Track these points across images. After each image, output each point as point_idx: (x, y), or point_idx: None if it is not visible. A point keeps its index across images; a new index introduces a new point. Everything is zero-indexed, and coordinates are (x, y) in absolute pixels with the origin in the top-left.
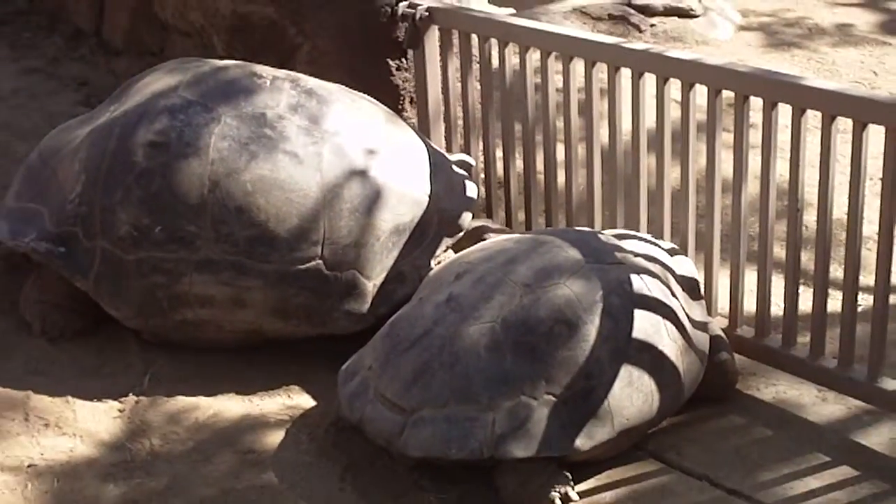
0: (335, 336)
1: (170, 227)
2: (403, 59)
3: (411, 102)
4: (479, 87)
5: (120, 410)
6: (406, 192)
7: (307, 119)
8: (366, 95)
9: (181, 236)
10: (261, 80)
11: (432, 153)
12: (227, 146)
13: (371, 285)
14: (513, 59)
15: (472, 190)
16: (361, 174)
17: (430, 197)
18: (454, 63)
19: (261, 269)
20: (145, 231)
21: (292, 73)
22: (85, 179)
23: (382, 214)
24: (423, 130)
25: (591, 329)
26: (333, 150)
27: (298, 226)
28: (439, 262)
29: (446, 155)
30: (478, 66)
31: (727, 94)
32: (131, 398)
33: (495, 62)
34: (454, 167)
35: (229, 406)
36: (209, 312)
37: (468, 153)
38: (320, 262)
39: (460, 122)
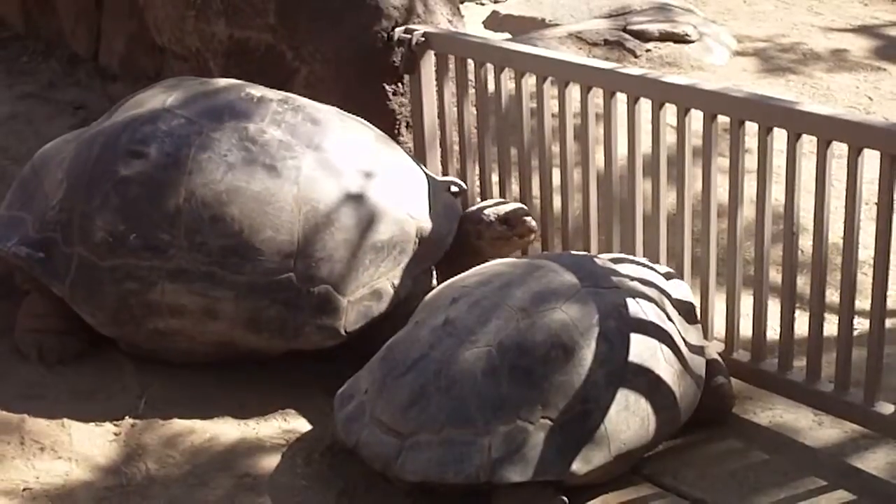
0: (329, 358)
1: (144, 235)
2: (400, 84)
3: (407, 127)
4: (475, 111)
5: (115, 434)
6: (386, 211)
7: (290, 134)
8: (357, 117)
9: (155, 244)
10: (249, 97)
11: (419, 174)
12: (206, 157)
13: (345, 301)
14: (509, 84)
15: (456, 208)
16: (340, 190)
17: (411, 217)
18: (450, 88)
19: (233, 279)
20: (120, 238)
21: (284, 93)
22: (66, 187)
23: (359, 231)
24: (418, 155)
25: (588, 353)
26: (313, 164)
27: (271, 238)
28: (424, 283)
29: (434, 177)
30: (474, 90)
31: (723, 119)
32: (127, 421)
33: (491, 87)
34: (441, 189)
35: (225, 429)
36: (181, 323)
37: (464, 178)
38: (292, 274)
39: (456, 146)
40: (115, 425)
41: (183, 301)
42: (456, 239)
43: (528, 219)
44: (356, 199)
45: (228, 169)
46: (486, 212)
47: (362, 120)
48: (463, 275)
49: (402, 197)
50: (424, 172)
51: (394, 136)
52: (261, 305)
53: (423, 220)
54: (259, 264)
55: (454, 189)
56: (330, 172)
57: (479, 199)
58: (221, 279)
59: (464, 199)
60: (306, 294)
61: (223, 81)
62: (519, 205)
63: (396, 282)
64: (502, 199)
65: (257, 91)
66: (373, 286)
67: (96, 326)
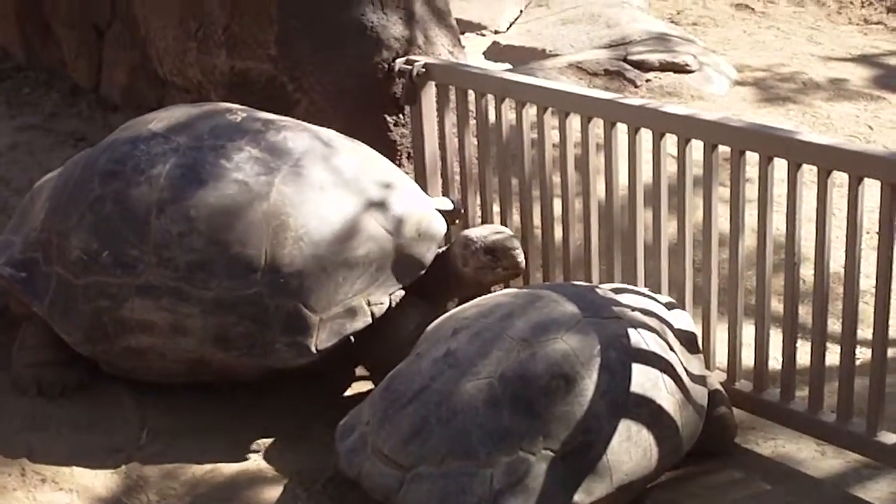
0: (330, 390)
1: (116, 252)
2: (400, 115)
3: (408, 158)
4: (475, 142)
5: (116, 465)
6: (362, 227)
7: (267, 151)
8: (349, 138)
9: (125, 261)
10: (232, 116)
11: (402, 190)
12: (179, 174)
13: (316, 318)
14: (509, 115)
15: (438, 227)
16: (314, 206)
17: (389, 233)
18: (451, 118)
19: (200, 295)
20: (94, 256)
21: (274, 115)
22: (48, 207)
23: (331, 246)
24: (420, 184)
25: (589, 384)
26: (287, 180)
27: (238, 253)
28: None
29: (421, 193)
30: (474, 121)
31: (723, 149)
32: (128, 453)
33: (492, 118)
34: (425, 205)
35: (227, 461)
36: (151, 339)
37: (465, 206)
38: (260, 290)
39: (457, 176)
40: (117, 457)
41: (152, 317)
42: (442, 260)
43: (516, 252)
44: (330, 214)
45: (200, 185)
46: (473, 237)
47: (353, 140)
48: (463, 306)
49: (380, 213)
50: (410, 188)
51: (395, 166)
52: (228, 321)
53: (401, 237)
54: (225, 279)
55: (444, 207)
56: (304, 188)
57: None
58: (188, 295)
59: (464, 225)
60: (275, 310)
61: (214, 105)
62: (508, 235)
63: (372, 299)
64: (497, 228)
65: (244, 112)
66: (347, 304)
67: (73, 345)
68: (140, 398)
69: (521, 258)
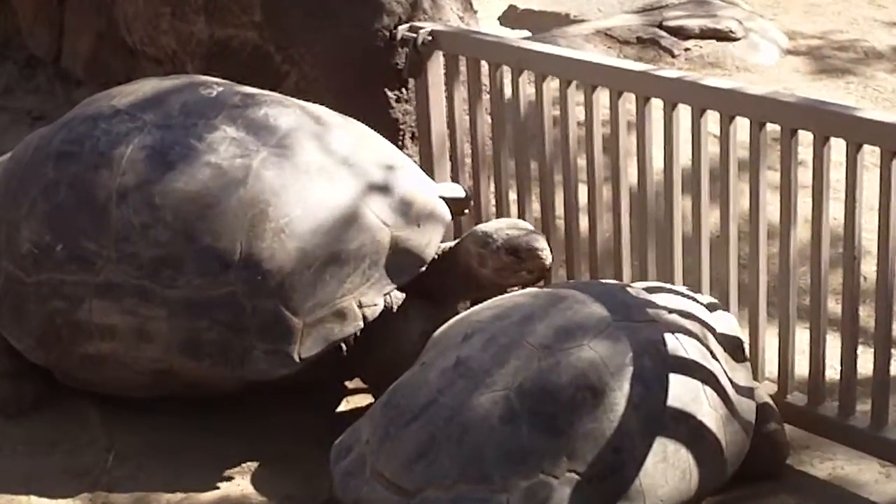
0: (323, 404)
1: (71, 246)
2: (403, 90)
3: (412, 138)
4: (489, 120)
5: (79, 492)
6: (353, 216)
7: (245, 130)
8: (342, 115)
9: (82, 255)
10: (207, 91)
11: (401, 174)
12: (143, 156)
13: (299, 322)
14: (528, 89)
15: (443, 218)
16: (298, 191)
17: (385, 223)
18: (461, 93)
19: (165, 295)
20: (46, 250)
21: (254, 89)
22: None
23: (317, 239)
24: (425, 168)
25: (620, 396)
26: (267, 163)
27: (210, 246)
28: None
29: (425, 178)
30: (488, 96)
31: (772, 128)
32: (94, 477)
33: (508, 92)
34: (429, 191)
35: (205, 485)
36: (112, 346)
37: (477, 196)
38: (235, 289)
39: (468, 160)
40: (81, 482)
41: (112, 321)
42: (451, 257)
43: (543, 253)
44: (317, 202)
45: (167, 169)
46: (493, 234)
47: (347, 118)
48: (476, 308)
49: (376, 201)
50: (412, 173)
51: (397, 147)
52: (198, 326)
53: (399, 228)
54: (195, 277)
55: (451, 194)
56: (288, 172)
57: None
58: (153, 295)
59: (476, 215)
60: (251, 313)
61: (189, 78)
62: (533, 233)
63: (364, 300)
64: (518, 223)
65: (222, 87)
66: (335, 305)
67: (24, 353)
68: (107, 414)
69: (548, 260)
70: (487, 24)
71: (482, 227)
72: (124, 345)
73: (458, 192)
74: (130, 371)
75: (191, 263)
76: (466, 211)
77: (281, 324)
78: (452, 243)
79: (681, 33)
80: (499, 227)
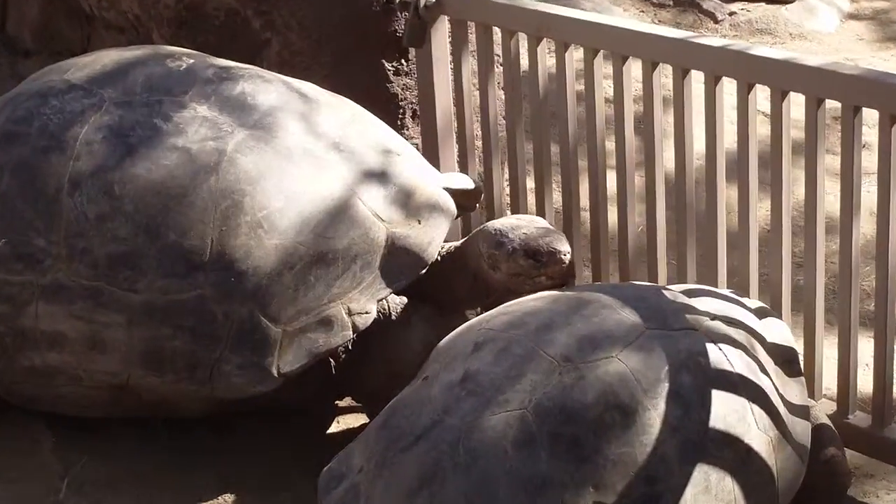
0: (310, 426)
1: (15, 241)
2: (403, 61)
3: (413, 117)
4: (502, 96)
5: None
6: (342, 209)
7: (218, 108)
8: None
9: (28, 252)
10: (175, 63)
11: (401, 161)
12: (100, 139)
13: (279, 331)
14: (547, 60)
15: (447, 212)
16: (279, 180)
17: (379, 218)
18: (470, 65)
19: (124, 299)
20: None
21: (230, 62)
22: None
23: (301, 236)
24: (429, 153)
25: (654, 417)
26: (243, 147)
27: (176, 242)
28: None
29: (427, 167)
30: (501, 68)
31: (832, 105)
32: None
33: (524, 64)
34: (433, 182)
35: None
36: (61, 357)
37: (489, 183)
38: (204, 292)
39: (478, 142)
40: None
41: (62, 327)
42: (457, 257)
43: (566, 256)
44: (301, 193)
45: (127, 154)
46: (508, 233)
47: (337, 95)
48: (487, 314)
49: (370, 191)
50: (411, 159)
51: (396, 127)
52: (161, 334)
53: (396, 224)
54: (158, 278)
55: (459, 185)
56: (267, 158)
57: (507, 213)
58: (109, 298)
59: (488, 209)
60: (223, 320)
61: (154, 48)
62: (554, 233)
63: (354, 306)
64: (537, 221)
65: (192, 58)
66: (321, 312)
67: None
68: (62, 437)
69: (571, 265)
70: None
71: (494, 223)
72: (76, 356)
73: (465, 182)
74: (84, 387)
75: (153, 262)
76: (476, 204)
77: (257, 333)
78: (459, 242)
79: None
80: (514, 225)
